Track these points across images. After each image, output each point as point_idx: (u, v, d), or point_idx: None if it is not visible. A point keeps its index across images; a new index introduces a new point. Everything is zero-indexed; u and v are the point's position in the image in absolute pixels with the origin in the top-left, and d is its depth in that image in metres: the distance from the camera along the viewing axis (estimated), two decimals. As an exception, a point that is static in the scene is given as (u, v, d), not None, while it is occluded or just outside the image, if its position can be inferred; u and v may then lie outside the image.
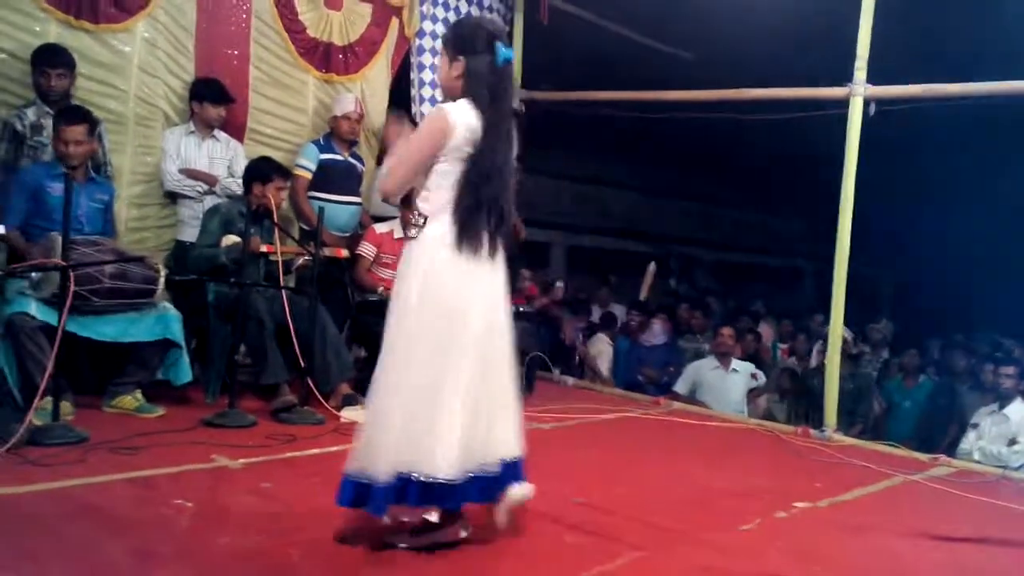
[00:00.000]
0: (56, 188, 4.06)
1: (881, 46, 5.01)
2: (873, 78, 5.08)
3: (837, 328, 5.22)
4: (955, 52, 5.67)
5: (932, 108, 5.11)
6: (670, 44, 8.00)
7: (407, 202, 3.23)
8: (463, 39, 2.80)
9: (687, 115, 6.13)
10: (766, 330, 8.97)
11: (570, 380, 6.51)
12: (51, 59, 4.47)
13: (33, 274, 3.89)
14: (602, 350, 7.65)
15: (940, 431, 6.58)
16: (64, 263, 3.69)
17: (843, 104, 5.14)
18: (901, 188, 10.32)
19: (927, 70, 4.95)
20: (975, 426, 5.73)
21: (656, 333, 7.85)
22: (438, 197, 2.74)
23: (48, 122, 4.43)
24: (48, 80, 4.44)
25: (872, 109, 5.10)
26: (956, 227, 11.44)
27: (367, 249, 5.42)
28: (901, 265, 14.20)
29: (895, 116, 5.14)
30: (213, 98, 5.06)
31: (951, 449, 5.70)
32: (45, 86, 4.45)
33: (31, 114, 4.47)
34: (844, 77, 5.13)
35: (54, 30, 4.70)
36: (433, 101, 6.53)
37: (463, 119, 2.71)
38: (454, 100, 2.78)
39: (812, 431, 5.12)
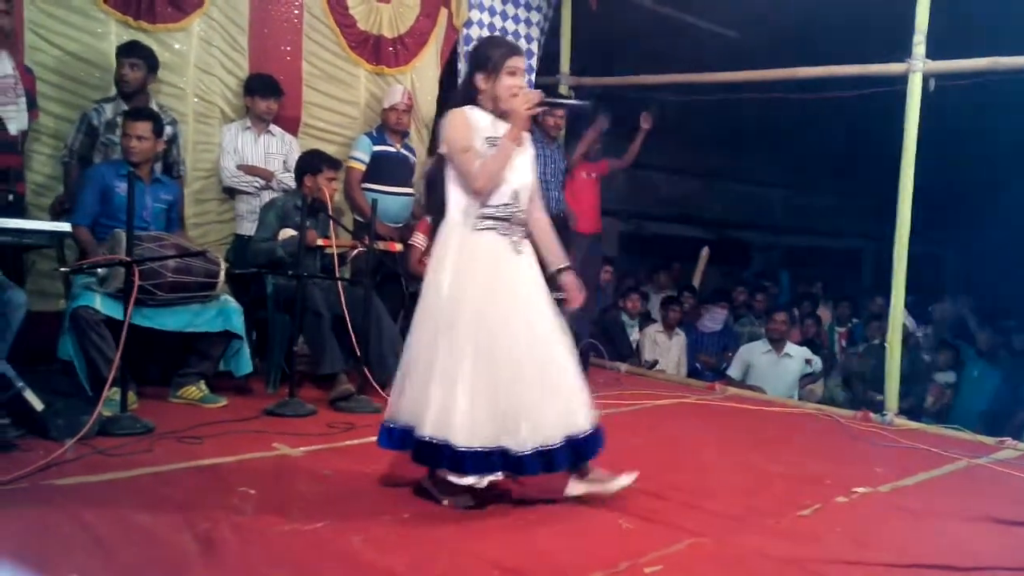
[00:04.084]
0: (122, 187, 4.16)
1: (940, 20, 4.88)
2: (932, 53, 4.96)
3: (898, 310, 5.12)
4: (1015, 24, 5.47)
5: (999, 81, 4.95)
6: (718, 24, 7.89)
7: None
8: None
9: (741, 96, 6.05)
10: (824, 313, 8.82)
11: (623, 367, 6.49)
12: (126, 50, 4.62)
13: (99, 270, 4.01)
14: (654, 338, 7.57)
15: (1007, 414, 6.42)
16: (128, 258, 3.79)
17: (902, 81, 5.02)
18: (966, 164, 10.04)
19: (987, 43, 4.80)
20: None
21: (714, 319, 7.78)
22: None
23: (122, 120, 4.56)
24: (121, 69, 4.58)
25: (932, 85, 4.97)
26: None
27: (419, 239, 5.46)
28: (966, 243, 13.79)
29: (959, 90, 5.00)
30: (262, 91, 5.15)
31: (1019, 432, 5.55)
32: (119, 76, 4.60)
33: (108, 111, 4.60)
34: (903, 52, 5.02)
35: (114, 31, 4.83)
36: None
37: None
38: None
39: (873, 415, 5.04)
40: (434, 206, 3.18)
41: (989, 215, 11.56)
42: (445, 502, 3.03)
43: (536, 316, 3.01)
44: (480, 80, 3.06)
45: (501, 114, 3.06)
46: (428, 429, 2.89)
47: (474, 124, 3.02)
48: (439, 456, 2.88)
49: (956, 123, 7.23)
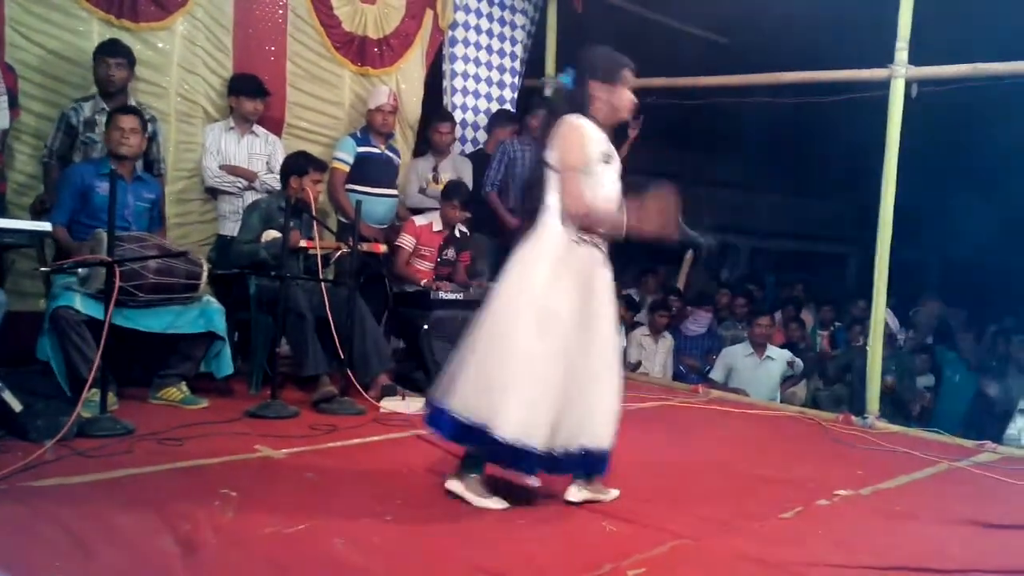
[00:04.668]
0: (103, 187, 4.13)
1: (922, 27, 4.92)
2: (914, 60, 5.00)
3: (879, 313, 5.15)
4: (998, 31, 5.52)
5: (979, 87, 4.99)
6: (705, 29, 7.91)
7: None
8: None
9: (725, 100, 6.07)
10: (806, 316, 8.85)
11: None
12: (109, 48, 4.57)
13: (80, 270, 3.98)
14: (640, 341, 7.57)
15: (987, 418, 6.47)
16: (110, 259, 3.76)
17: (885, 86, 5.06)
18: (952, 170, 10.10)
19: (970, 50, 4.84)
20: (1022, 411, 5.62)
21: (698, 322, 7.79)
22: None
23: (102, 119, 4.52)
24: (107, 70, 4.54)
25: (915, 90, 5.01)
26: (1006, 208, 11.16)
27: (406, 241, 5.45)
28: (950, 247, 13.89)
29: (941, 95, 5.04)
30: (248, 92, 5.12)
31: (998, 436, 5.59)
32: (104, 76, 4.55)
33: (87, 109, 4.56)
34: (885, 59, 5.05)
35: (96, 29, 4.79)
36: (465, 93, 6.53)
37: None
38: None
39: (854, 418, 5.06)
40: (529, 206, 3.13)
41: (974, 221, 11.65)
42: (479, 503, 3.04)
43: (606, 332, 3.09)
44: (597, 88, 3.03)
45: (608, 124, 3.06)
46: (510, 431, 2.88)
47: (591, 137, 3.01)
48: (522, 460, 2.93)
49: (941, 129, 7.29)
